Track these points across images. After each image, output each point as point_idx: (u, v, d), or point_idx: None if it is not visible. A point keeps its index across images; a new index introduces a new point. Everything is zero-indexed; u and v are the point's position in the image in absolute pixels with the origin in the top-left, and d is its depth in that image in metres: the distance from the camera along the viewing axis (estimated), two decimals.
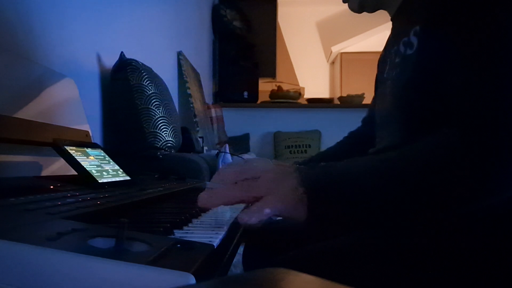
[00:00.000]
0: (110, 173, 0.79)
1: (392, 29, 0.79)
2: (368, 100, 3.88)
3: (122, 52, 1.60)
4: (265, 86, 4.40)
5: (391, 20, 0.79)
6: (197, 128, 2.70)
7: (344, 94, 4.25)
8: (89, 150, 0.81)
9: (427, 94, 0.60)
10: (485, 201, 0.53)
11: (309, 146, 3.94)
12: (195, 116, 2.74)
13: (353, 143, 0.99)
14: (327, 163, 0.57)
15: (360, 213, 0.55)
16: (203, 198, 0.54)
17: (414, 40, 0.64)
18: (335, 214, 0.55)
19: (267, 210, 0.51)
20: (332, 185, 0.54)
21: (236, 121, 3.96)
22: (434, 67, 0.58)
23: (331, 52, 5.41)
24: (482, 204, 0.54)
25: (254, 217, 0.50)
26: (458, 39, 0.55)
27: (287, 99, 4.07)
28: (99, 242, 0.33)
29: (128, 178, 0.85)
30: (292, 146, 3.96)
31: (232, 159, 1.94)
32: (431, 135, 0.54)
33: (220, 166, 1.80)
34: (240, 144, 3.76)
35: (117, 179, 0.80)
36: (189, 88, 2.77)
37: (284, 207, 0.52)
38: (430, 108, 0.59)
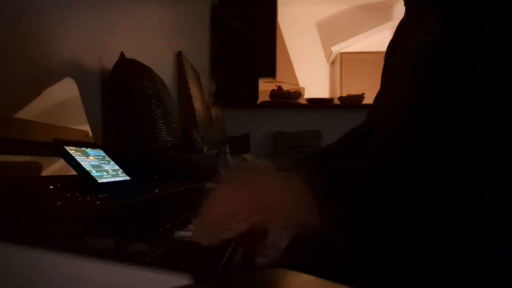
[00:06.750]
0: (110, 173, 0.79)
1: (406, 14, 0.76)
2: (368, 100, 3.88)
3: (122, 52, 1.60)
4: (265, 86, 4.39)
5: (405, 4, 0.76)
6: (197, 128, 2.69)
7: (344, 94, 4.24)
8: (89, 150, 0.81)
9: (448, 85, 0.56)
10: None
11: (309, 146, 3.94)
12: (195, 116, 2.74)
13: (353, 140, 0.98)
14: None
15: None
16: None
17: (434, 27, 0.60)
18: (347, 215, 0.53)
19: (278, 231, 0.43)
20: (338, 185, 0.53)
21: (236, 121, 3.96)
22: (457, 58, 0.55)
23: (331, 52, 5.40)
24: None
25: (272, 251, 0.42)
26: (484, 31, 0.53)
27: (287, 99, 4.06)
28: (99, 242, 0.33)
29: (128, 178, 0.85)
30: (292, 146, 3.95)
31: (232, 159, 1.94)
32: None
33: (220, 168, 1.79)
34: (240, 144, 3.75)
35: (117, 179, 0.80)
36: (189, 88, 2.77)
37: (295, 218, 0.46)
38: (448, 100, 0.55)
